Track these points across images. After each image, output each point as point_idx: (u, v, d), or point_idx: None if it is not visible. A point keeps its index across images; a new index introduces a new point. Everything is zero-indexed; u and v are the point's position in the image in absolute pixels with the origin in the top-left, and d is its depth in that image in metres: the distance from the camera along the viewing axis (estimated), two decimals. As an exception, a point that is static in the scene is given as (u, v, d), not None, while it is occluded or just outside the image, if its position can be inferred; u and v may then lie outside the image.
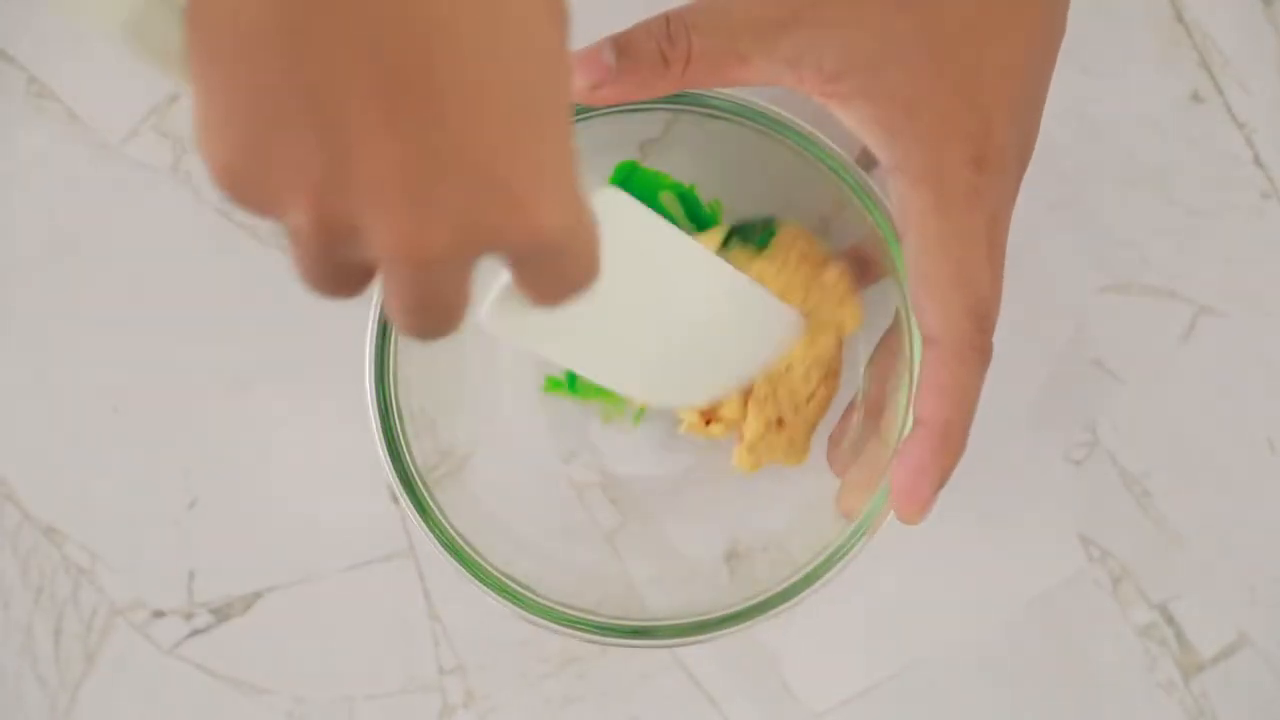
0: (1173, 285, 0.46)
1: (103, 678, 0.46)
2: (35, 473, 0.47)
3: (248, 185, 0.25)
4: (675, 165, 0.44)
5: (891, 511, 0.38)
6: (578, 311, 0.31)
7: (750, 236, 0.43)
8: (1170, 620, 0.47)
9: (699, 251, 0.39)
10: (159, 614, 0.46)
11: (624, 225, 0.35)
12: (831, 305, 0.42)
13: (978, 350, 0.36)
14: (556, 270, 0.27)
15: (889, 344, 0.42)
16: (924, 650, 0.45)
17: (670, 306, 0.39)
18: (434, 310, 0.27)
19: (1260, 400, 0.47)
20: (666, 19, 0.36)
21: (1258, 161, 0.47)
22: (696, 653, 0.45)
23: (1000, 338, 0.38)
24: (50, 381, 0.47)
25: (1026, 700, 0.45)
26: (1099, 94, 0.46)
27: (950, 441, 0.36)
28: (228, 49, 0.23)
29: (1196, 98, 0.47)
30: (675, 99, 0.39)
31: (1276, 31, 0.47)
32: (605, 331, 0.37)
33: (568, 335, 0.36)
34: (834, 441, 0.43)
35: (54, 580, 0.47)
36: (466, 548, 0.40)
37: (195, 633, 0.46)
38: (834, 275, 0.42)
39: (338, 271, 0.26)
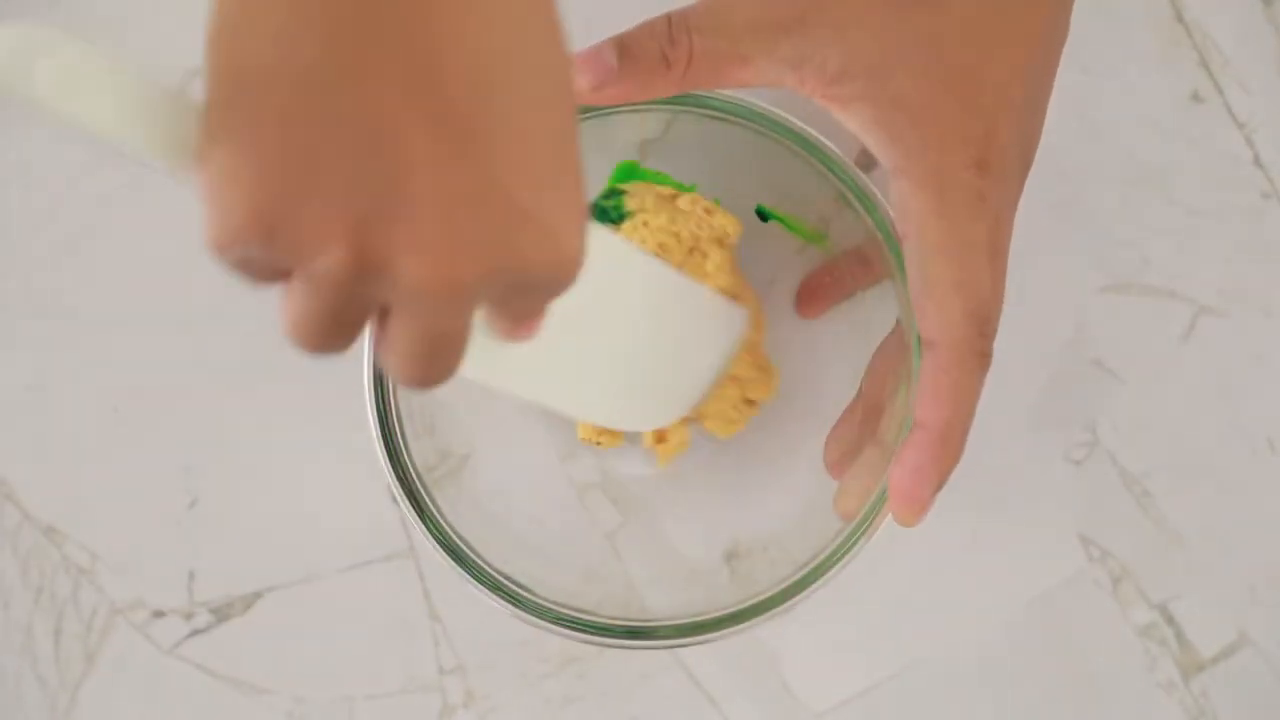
0: (1173, 285, 0.46)
1: (103, 678, 0.46)
2: (35, 473, 0.47)
3: (281, 229, 0.25)
4: (675, 165, 0.43)
5: (889, 513, 0.38)
6: (536, 343, 0.31)
7: (606, 215, 0.43)
8: (1170, 620, 0.47)
9: (640, 256, 0.39)
10: (159, 614, 0.46)
11: None
12: (703, 224, 0.43)
13: (978, 354, 0.36)
14: (552, 295, 0.28)
15: (888, 348, 0.42)
16: (924, 650, 0.45)
17: (621, 317, 0.39)
18: (441, 352, 0.27)
19: (1260, 400, 0.47)
20: (668, 19, 0.36)
21: (1258, 162, 0.47)
22: (696, 653, 0.45)
23: (1000, 337, 0.38)
24: (50, 381, 0.47)
25: (1026, 701, 0.45)
26: (1099, 94, 0.46)
27: (949, 445, 0.36)
28: (273, 96, 0.24)
29: (1196, 98, 0.47)
30: (675, 99, 0.39)
31: (1277, 31, 0.47)
32: (563, 357, 0.37)
33: (529, 369, 0.36)
34: (831, 444, 0.43)
35: (54, 580, 0.47)
36: (465, 548, 0.40)
37: (195, 633, 0.46)
38: (688, 198, 0.42)
39: (348, 315, 0.26)
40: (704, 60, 0.36)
